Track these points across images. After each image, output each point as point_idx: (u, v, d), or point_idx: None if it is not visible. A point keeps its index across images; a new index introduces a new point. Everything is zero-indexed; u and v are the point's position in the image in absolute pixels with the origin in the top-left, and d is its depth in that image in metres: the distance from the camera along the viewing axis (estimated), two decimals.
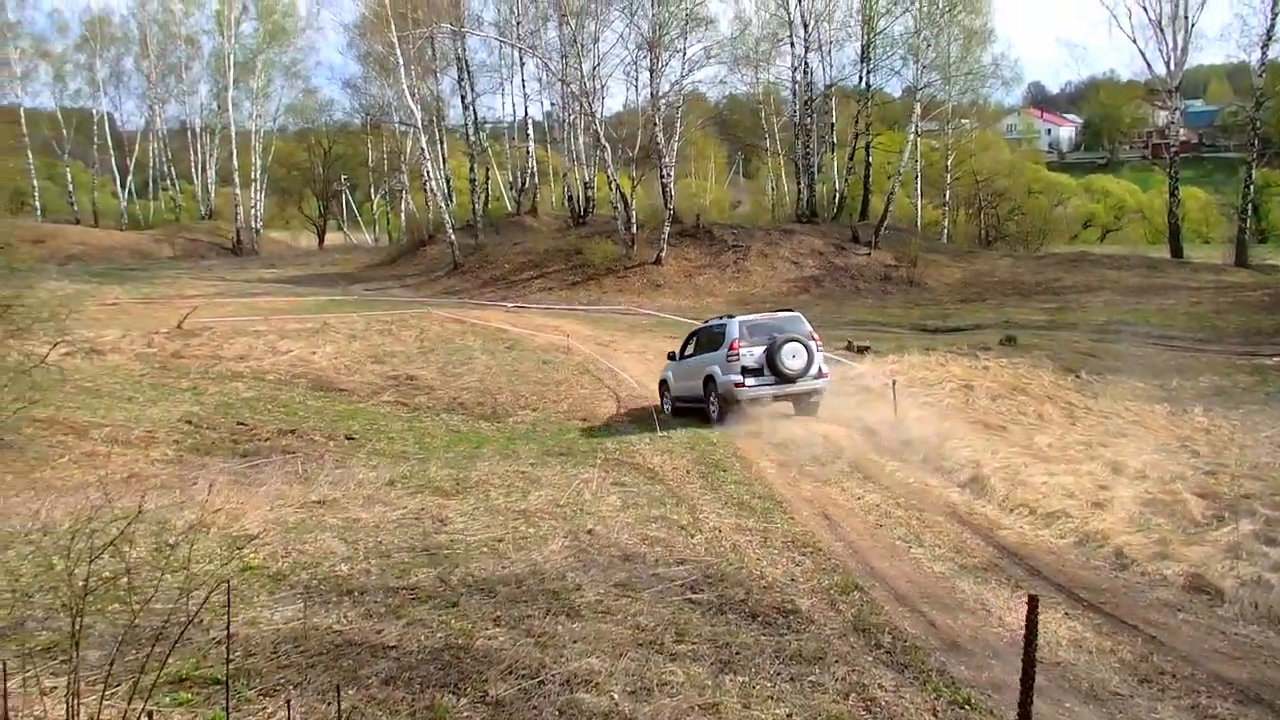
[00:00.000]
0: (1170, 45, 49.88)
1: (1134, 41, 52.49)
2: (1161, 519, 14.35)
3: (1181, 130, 58.52)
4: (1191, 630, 10.81)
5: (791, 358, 20.67)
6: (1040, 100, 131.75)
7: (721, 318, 22.93)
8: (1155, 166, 71.61)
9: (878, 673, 9.40)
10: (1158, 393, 23.47)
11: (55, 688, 8.27)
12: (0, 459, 17.41)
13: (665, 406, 23.89)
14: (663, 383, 24.39)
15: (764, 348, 20.79)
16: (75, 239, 69.41)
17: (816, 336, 21.66)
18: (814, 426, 20.76)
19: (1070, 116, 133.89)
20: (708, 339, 22.50)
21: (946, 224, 60.88)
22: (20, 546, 12.42)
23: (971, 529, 14.45)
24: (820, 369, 21.25)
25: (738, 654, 9.57)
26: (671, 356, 24.03)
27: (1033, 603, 7.43)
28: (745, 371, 20.73)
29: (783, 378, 20.73)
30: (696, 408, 22.35)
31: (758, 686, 8.96)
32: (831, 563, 12.55)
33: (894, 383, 22.25)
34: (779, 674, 9.24)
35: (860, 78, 55.68)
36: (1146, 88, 61.72)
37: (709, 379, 21.55)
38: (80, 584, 7.61)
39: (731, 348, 20.94)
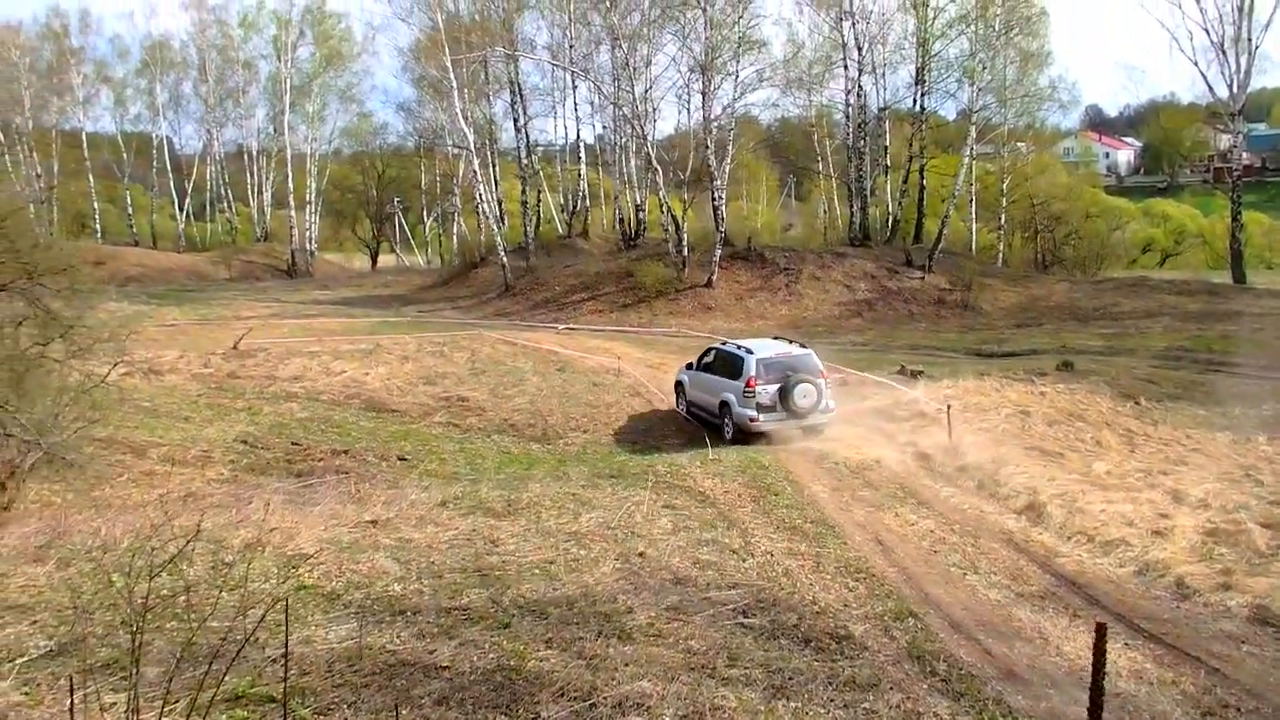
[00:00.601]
0: (1233, 68, 49.13)
1: (1195, 64, 51.74)
2: (1224, 549, 14.13)
3: (1244, 154, 57.76)
4: (1256, 663, 10.62)
5: (803, 397, 22.04)
6: (1098, 123, 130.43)
7: (740, 346, 23.98)
8: (1217, 190, 70.63)
9: (932, 701, 9.30)
10: (1220, 420, 23.11)
11: (115, 704, 8.36)
12: (62, 477, 17.64)
13: (680, 407, 25.89)
14: (679, 384, 26.18)
15: (778, 385, 22.16)
16: (134, 261, 70.35)
17: (825, 373, 22.94)
18: (867, 451, 20.71)
19: (1129, 140, 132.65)
20: (724, 363, 23.84)
21: (1002, 248, 60.30)
22: (81, 564, 12.59)
23: (1028, 556, 14.29)
24: (827, 404, 22.55)
25: (790, 679, 9.51)
26: (690, 366, 25.68)
27: (1100, 630, 7.32)
28: (760, 408, 22.17)
29: (793, 414, 22.06)
30: (709, 420, 24.01)
31: (811, 713, 8.90)
32: (885, 589, 12.47)
33: (948, 408, 22.08)
34: (832, 700, 9.17)
35: (914, 100, 55.22)
36: (1208, 111, 61.00)
37: (725, 404, 23.09)
38: (140, 601, 7.71)
39: (748, 384, 22.35)
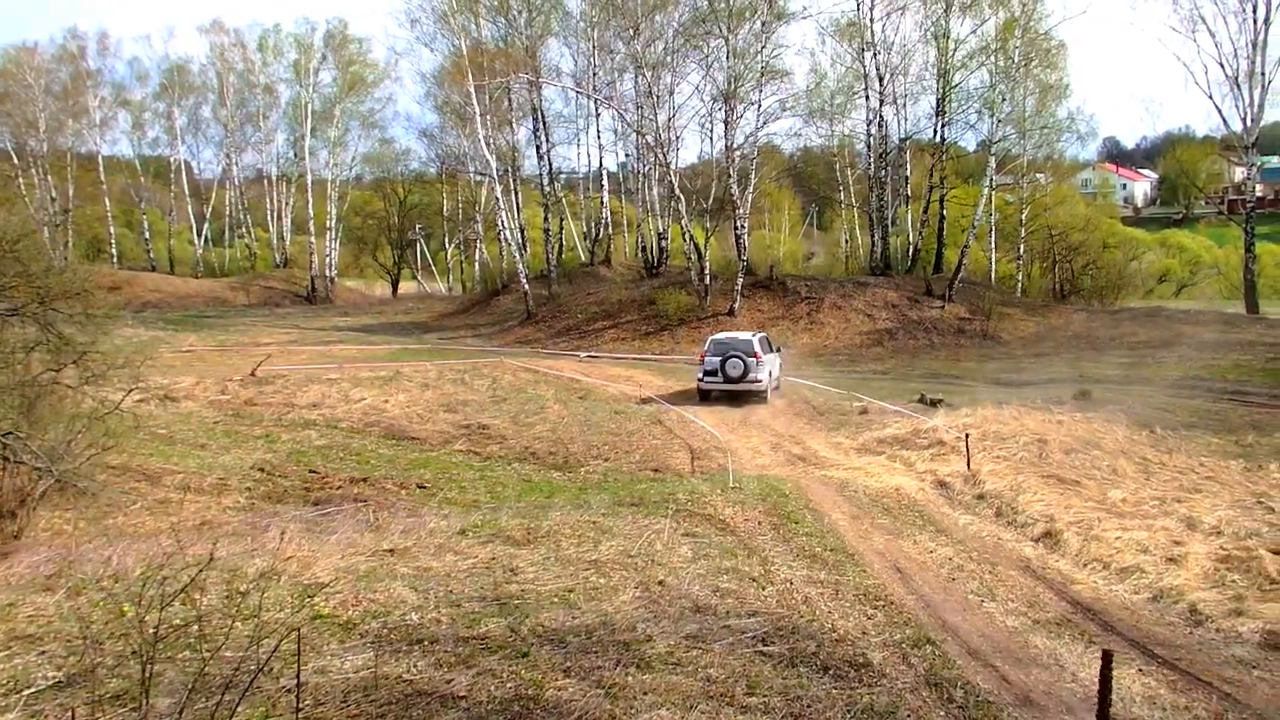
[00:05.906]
0: (1247, 102, 49.51)
1: (1210, 98, 52.13)
2: (1237, 575, 14.27)
3: (1258, 186, 57.96)
4: (1268, 688, 10.76)
5: (732, 368, 30.01)
6: (1116, 155, 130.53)
7: (720, 332, 33.96)
8: (1231, 222, 70.47)
9: None
10: (1233, 448, 23.22)
11: None
12: (73, 505, 17.49)
13: None
14: None
15: (720, 358, 30.12)
16: (151, 286, 70.37)
17: (758, 354, 30.28)
18: (886, 479, 20.86)
19: (1146, 171, 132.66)
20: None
21: (1021, 277, 60.30)
22: (92, 593, 12.46)
23: (1045, 583, 14.43)
24: (755, 377, 30.03)
25: (809, 707, 9.62)
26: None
27: (1106, 658, 7.50)
28: (706, 373, 30.56)
29: (727, 379, 30.09)
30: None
31: None
32: (903, 616, 12.58)
33: (967, 436, 22.23)
34: None
35: (935, 131, 55.32)
36: (1222, 144, 61.07)
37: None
38: (151, 631, 7.76)
39: (701, 357, 31.32)
